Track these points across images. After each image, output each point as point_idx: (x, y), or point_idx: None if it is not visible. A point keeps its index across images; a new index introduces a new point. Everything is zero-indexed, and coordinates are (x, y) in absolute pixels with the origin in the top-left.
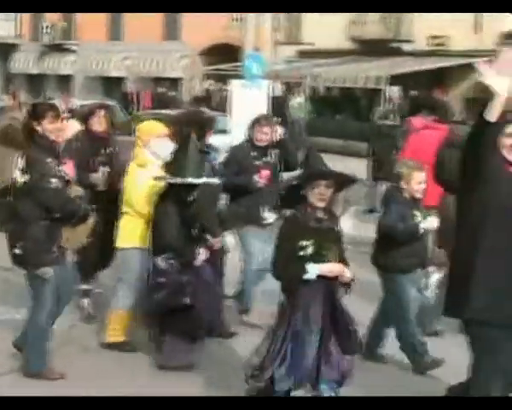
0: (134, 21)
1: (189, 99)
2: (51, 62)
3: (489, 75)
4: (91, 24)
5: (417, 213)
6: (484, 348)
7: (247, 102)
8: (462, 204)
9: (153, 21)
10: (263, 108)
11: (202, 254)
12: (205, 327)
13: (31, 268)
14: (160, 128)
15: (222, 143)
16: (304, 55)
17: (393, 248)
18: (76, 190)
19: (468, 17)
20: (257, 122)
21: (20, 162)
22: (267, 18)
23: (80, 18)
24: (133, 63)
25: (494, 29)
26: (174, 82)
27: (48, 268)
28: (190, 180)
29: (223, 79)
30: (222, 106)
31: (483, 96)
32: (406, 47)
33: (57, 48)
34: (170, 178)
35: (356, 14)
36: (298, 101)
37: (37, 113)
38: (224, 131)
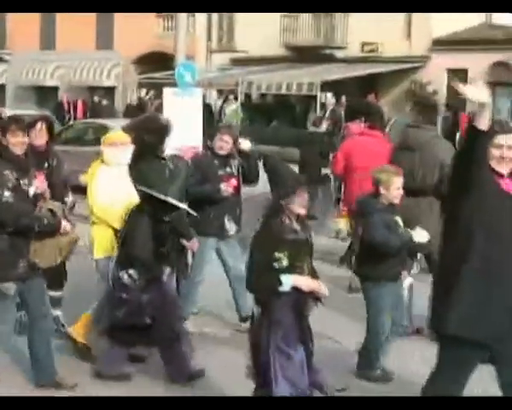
0: (66, 30)
1: (123, 108)
2: None
3: (469, 91)
4: (23, 33)
5: (398, 219)
6: (450, 361)
7: (180, 110)
8: (450, 216)
9: (85, 30)
10: (196, 115)
11: (167, 272)
12: (157, 344)
13: None
14: (117, 137)
15: None
16: (237, 62)
17: (381, 259)
18: (51, 204)
19: (398, 24)
20: (218, 130)
21: None
22: (200, 26)
23: (12, 27)
24: (66, 72)
25: (424, 35)
26: (109, 91)
27: (11, 284)
28: (175, 202)
29: (157, 87)
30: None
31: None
32: (339, 54)
33: None
34: (154, 192)
35: (288, 20)
36: (231, 108)
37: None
38: None
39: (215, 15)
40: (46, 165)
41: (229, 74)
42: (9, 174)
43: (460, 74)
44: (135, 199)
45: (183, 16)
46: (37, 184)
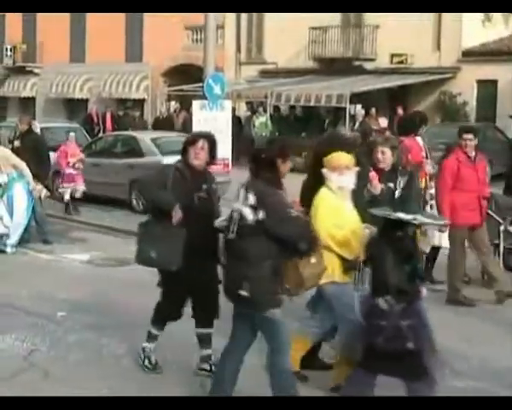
0: (96, 43)
1: (152, 120)
2: (13, 85)
3: None
4: (53, 46)
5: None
6: None
7: (209, 122)
8: None
9: (115, 43)
10: (225, 128)
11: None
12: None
13: (260, 309)
14: (347, 159)
15: None
16: (267, 74)
17: None
18: None
19: (428, 35)
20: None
21: (251, 199)
22: (229, 38)
23: (42, 40)
24: (96, 85)
25: (453, 47)
26: (138, 103)
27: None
28: (421, 219)
29: (186, 99)
30: (185, 127)
31: None
32: (368, 65)
33: (20, 70)
34: (387, 212)
35: (317, 32)
36: (260, 120)
37: None
38: None
39: (244, 27)
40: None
41: (258, 86)
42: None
43: (490, 86)
44: (357, 223)
45: (212, 27)
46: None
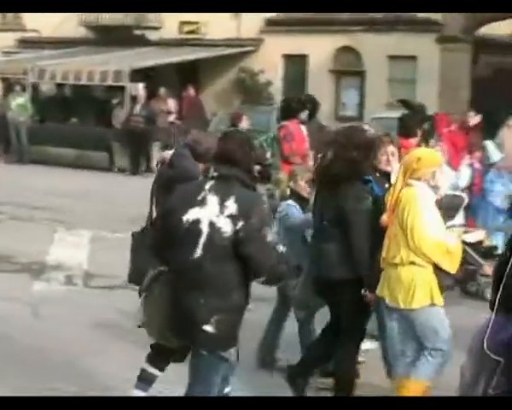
0: None
1: None
2: None
3: None
4: None
5: None
6: None
7: None
8: None
9: None
10: None
11: None
12: None
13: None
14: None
15: None
16: (26, 44)
17: None
18: None
19: None
20: None
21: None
22: None
23: None
24: None
25: (255, 14)
26: None
27: None
28: None
29: None
30: None
31: None
32: (152, 35)
33: None
34: None
35: None
36: (18, 102)
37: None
38: None
39: None
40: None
41: (15, 59)
42: None
43: (298, 61)
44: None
45: None
46: None
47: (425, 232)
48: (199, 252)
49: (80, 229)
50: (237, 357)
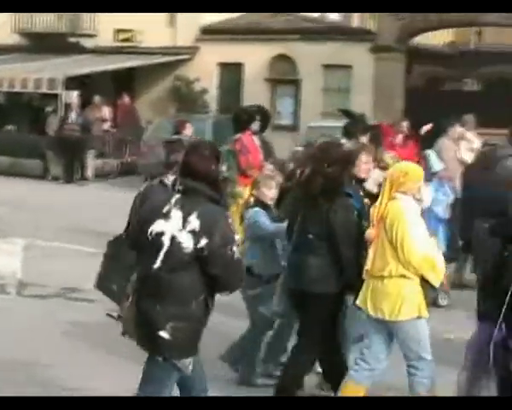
0: None
1: None
2: None
3: None
4: None
5: None
6: None
7: None
8: None
9: None
10: None
11: None
12: None
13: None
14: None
15: None
16: None
17: None
18: None
19: None
20: None
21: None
22: None
23: None
24: None
25: (190, 22)
26: None
27: None
28: None
29: None
30: None
31: None
32: (87, 43)
33: None
34: None
35: None
36: None
37: None
38: None
39: None
40: None
41: None
42: None
43: (234, 70)
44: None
45: None
46: None
47: (414, 246)
48: (158, 263)
49: (14, 237)
50: (191, 369)
